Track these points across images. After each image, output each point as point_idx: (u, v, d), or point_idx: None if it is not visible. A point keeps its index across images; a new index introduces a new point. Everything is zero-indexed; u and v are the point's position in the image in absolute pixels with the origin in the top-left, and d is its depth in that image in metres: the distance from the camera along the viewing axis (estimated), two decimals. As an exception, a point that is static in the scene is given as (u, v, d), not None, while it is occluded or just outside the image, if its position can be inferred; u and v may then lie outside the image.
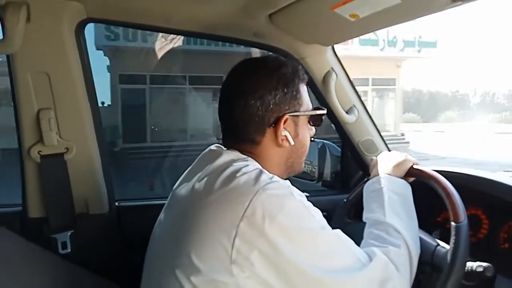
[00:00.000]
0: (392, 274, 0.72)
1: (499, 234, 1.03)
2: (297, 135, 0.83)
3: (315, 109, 0.87)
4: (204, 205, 0.70)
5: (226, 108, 0.82)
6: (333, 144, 1.59)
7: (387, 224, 0.81)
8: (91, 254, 1.17)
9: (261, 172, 0.72)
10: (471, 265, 0.78)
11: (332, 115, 1.36)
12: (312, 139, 1.58)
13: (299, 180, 1.63)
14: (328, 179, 1.56)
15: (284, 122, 0.79)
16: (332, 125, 1.44)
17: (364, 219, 0.90)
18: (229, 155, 0.78)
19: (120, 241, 1.24)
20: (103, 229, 1.22)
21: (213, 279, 0.66)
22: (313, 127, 0.89)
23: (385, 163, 0.96)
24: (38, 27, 0.98)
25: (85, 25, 1.09)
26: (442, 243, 0.84)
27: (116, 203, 1.29)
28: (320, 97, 1.32)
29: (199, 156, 0.86)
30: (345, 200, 1.10)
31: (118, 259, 1.21)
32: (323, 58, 1.26)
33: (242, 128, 0.80)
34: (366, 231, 0.85)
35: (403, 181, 0.92)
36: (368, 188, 0.94)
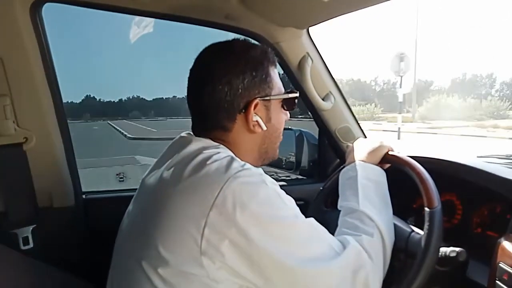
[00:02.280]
0: (365, 262, 0.71)
1: (472, 219, 1.04)
2: (269, 119, 0.80)
3: (287, 92, 0.84)
4: (172, 194, 0.67)
5: (194, 95, 0.79)
6: (311, 132, 1.57)
7: (361, 212, 0.80)
8: (56, 249, 1.11)
9: (232, 159, 0.69)
10: (444, 250, 0.78)
11: (308, 102, 1.33)
12: (290, 128, 1.59)
13: (276, 169, 1.62)
14: (306, 168, 1.56)
15: (255, 107, 0.76)
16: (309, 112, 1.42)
17: (339, 207, 0.88)
18: (199, 142, 0.75)
19: (87, 235, 1.19)
20: (68, 223, 1.16)
21: (182, 271, 0.63)
22: (288, 112, 0.86)
23: (360, 150, 0.95)
24: None
25: (41, 6, 1.02)
26: (416, 230, 0.83)
27: (83, 196, 1.23)
28: (295, 83, 1.29)
29: (169, 144, 0.83)
30: (321, 188, 1.08)
31: (85, 254, 1.16)
32: (298, 42, 1.23)
33: (211, 115, 0.77)
34: (341, 219, 0.84)
35: (377, 167, 0.91)
36: (343, 175, 0.93)
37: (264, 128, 0.79)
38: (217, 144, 0.75)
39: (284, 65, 1.27)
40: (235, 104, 0.75)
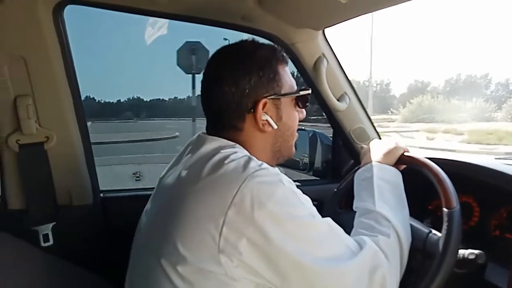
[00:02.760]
0: (382, 263, 0.71)
1: (490, 221, 1.02)
2: (280, 118, 0.80)
3: (299, 90, 0.84)
4: (191, 192, 0.68)
5: (205, 96, 0.80)
6: (324, 133, 1.57)
7: (377, 213, 0.80)
8: (75, 247, 1.13)
9: (250, 159, 0.70)
10: (462, 252, 0.78)
11: (323, 102, 1.33)
12: (303, 128, 1.59)
13: (290, 169, 1.62)
14: (319, 168, 1.55)
15: (264, 106, 0.77)
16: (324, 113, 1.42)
17: (354, 208, 0.88)
18: (216, 142, 0.75)
19: (105, 233, 1.21)
20: (87, 220, 1.18)
21: (200, 269, 0.64)
22: (303, 109, 0.86)
23: (375, 151, 0.94)
24: (11, 8, 0.93)
25: (64, 7, 1.04)
26: (434, 231, 0.83)
27: (101, 194, 1.25)
28: (311, 83, 1.29)
29: (186, 144, 0.84)
30: (335, 189, 1.07)
31: (103, 251, 1.17)
32: (314, 43, 1.23)
33: (222, 116, 0.78)
34: (356, 220, 0.84)
35: (393, 168, 0.91)
36: (358, 176, 0.92)
37: (275, 126, 0.79)
38: (234, 143, 0.76)
39: (300, 66, 1.27)
40: (243, 105, 0.76)
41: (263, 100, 0.76)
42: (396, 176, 0.89)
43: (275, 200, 0.65)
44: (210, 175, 0.68)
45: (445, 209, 0.78)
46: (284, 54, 0.82)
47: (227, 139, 0.77)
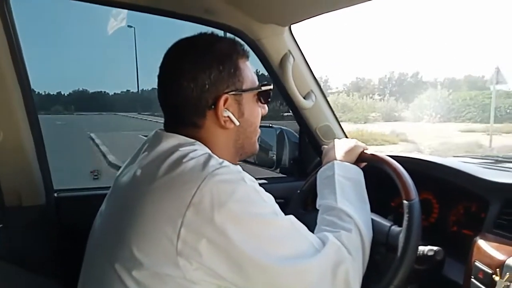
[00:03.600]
0: (344, 258, 0.71)
1: (449, 217, 1.05)
2: (242, 114, 0.77)
3: (261, 85, 0.81)
4: (147, 192, 0.64)
5: (162, 92, 0.76)
6: (292, 131, 1.56)
7: (339, 210, 0.80)
8: (26, 251, 1.06)
9: (210, 157, 0.67)
10: (422, 249, 0.79)
11: (289, 100, 1.32)
12: (270, 125, 1.58)
13: (257, 167, 1.60)
14: (287, 166, 1.54)
15: (225, 102, 0.74)
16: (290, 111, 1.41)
17: (317, 206, 0.88)
18: (174, 139, 0.72)
19: (59, 235, 1.14)
20: (39, 222, 1.11)
21: (157, 273, 0.61)
22: (265, 105, 0.84)
23: (336, 150, 0.96)
24: None
25: None
26: (395, 225, 0.84)
27: (55, 194, 1.18)
28: (277, 80, 1.28)
29: (143, 141, 0.80)
30: (298, 191, 1.07)
31: (58, 255, 1.11)
32: (280, 39, 1.21)
33: (181, 112, 0.74)
34: (319, 217, 0.84)
35: (354, 166, 0.92)
36: (320, 175, 0.93)
37: (237, 123, 0.76)
38: (193, 141, 0.73)
39: (266, 62, 1.25)
40: (203, 101, 0.73)
41: (224, 96, 0.73)
42: (357, 173, 0.91)
43: (236, 199, 0.63)
44: (167, 174, 0.65)
45: (405, 202, 0.79)
46: (245, 48, 0.79)
47: (187, 136, 0.74)
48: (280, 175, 1.55)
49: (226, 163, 0.67)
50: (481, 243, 0.79)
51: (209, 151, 0.71)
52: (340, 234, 0.75)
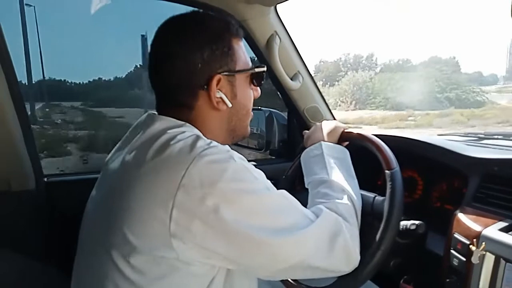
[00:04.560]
0: (342, 227, 0.73)
1: (432, 193, 1.08)
2: (234, 96, 0.76)
3: (254, 67, 0.80)
4: (136, 177, 0.64)
5: (154, 72, 0.74)
6: (281, 113, 1.57)
7: (331, 181, 0.82)
8: (17, 234, 1.07)
9: (197, 138, 0.66)
10: (405, 223, 0.82)
11: (276, 81, 1.33)
12: (260, 108, 1.58)
13: (246, 149, 1.62)
14: (276, 148, 1.56)
15: (218, 83, 0.72)
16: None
17: (306, 184, 0.89)
18: (164, 122, 0.71)
19: (50, 219, 1.15)
20: (29, 207, 1.11)
21: (151, 255, 0.62)
22: (258, 88, 0.82)
23: (317, 134, 0.97)
24: None
25: None
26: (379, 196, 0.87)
27: (45, 179, 1.18)
28: (264, 62, 1.28)
29: (133, 125, 0.78)
30: (284, 176, 1.08)
31: (49, 238, 1.12)
32: (266, 20, 1.20)
33: (173, 94, 0.73)
34: (311, 192, 0.85)
35: (339, 146, 0.94)
36: (307, 154, 0.94)
37: (230, 105, 0.75)
38: (182, 123, 0.72)
39: (252, 43, 1.25)
40: (195, 81, 0.71)
41: (217, 76, 0.72)
42: (342, 152, 0.92)
43: (226, 178, 0.63)
44: (155, 158, 0.64)
45: (386, 171, 0.82)
46: (239, 28, 0.77)
47: (178, 118, 0.73)
48: (270, 157, 1.57)
49: (214, 143, 0.67)
50: (461, 216, 0.82)
51: (198, 133, 0.71)
52: (335, 203, 0.76)
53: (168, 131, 0.68)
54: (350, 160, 0.92)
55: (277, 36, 1.23)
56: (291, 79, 1.33)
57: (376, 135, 0.91)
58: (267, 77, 1.12)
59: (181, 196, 0.61)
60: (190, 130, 0.70)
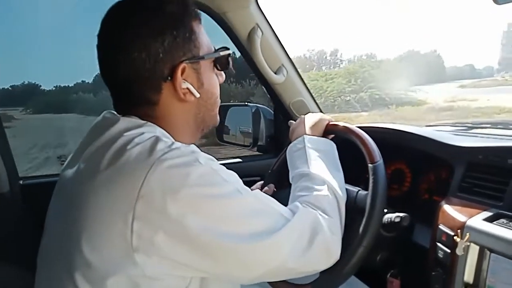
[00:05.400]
0: (320, 222, 0.70)
1: (420, 185, 1.06)
2: (201, 85, 0.71)
3: (218, 50, 0.75)
4: (91, 189, 0.59)
5: (107, 67, 0.67)
6: (268, 108, 1.54)
7: (312, 174, 0.79)
8: None
9: (157, 140, 0.61)
10: (389, 216, 0.80)
11: (260, 75, 1.30)
12: (246, 103, 1.56)
13: (234, 146, 1.59)
14: (263, 144, 1.53)
15: (182, 72, 0.66)
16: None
17: (290, 179, 0.87)
18: (122, 123, 0.65)
19: (26, 223, 1.11)
20: (4, 210, 1.08)
21: (112, 273, 0.57)
22: (222, 72, 0.77)
23: (302, 127, 0.94)
24: None
25: None
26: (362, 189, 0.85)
27: (20, 181, 1.15)
28: (246, 56, 1.25)
29: (90, 127, 0.71)
30: (269, 171, 1.06)
31: (24, 243, 1.08)
32: (247, 12, 1.17)
33: (131, 89, 0.66)
34: (293, 187, 0.82)
35: (323, 138, 0.91)
36: (291, 149, 0.91)
37: (197, 95, 0.69)
38: (142, 122, 0.65)
39: (233, 37, 1.22)
40: (157, 72, 0.65)
41: (182, 65, 0.66)
42: (327, 144, 0.90)
43: (191, 183, 0.58)
44: (110, 166, 0.59)
45: (369, 165, 0.80)
46: (197, 10, 0.71)
47: (141, 115, 0.67)
48: (258, 153, 1.54)
49: (176, 144, 0.62)
50: (446, 207, 0.80)
51: (159, 133, 0.65)
52: (315, 196, 0.74)
53: (125, 134, 0.62)
54: (336, 152, 0.89)
55: (258, 29, 1.20)
56: (275, 73, 1.30)
57: (364, 127, 0.90)
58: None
59: (141, 207, 0.56)
60: (150, 131, 0.64)
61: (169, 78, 0.66)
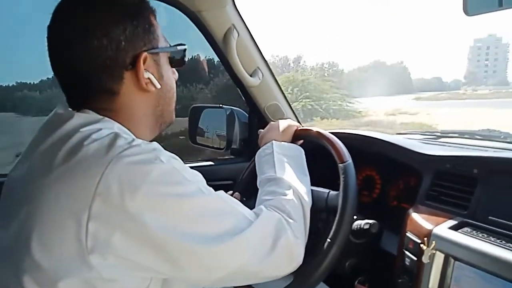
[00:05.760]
0: (284, 225, 0.70)
1: (389, 192, 1.07)
2: (161, 77, 0.70)
3: (177, 45, 0.74)
4: (44, 186, 0.56)
5: (62, 58, 0.64)
6: (243, 111, 1.53)
7: (278, 179, 0.80)
8: None
9: (116, 136, 0.58)
10: (359, 223, 0.80)
11: (235, 78, 1.28)
12: (221, 106, 1.53)
13: (207, 148, 1.56)
14: (237, 147, 1.51)
15: (144, 62, 0.65)
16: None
17: (258, 184, 0.86)
18: (77, 118, 0.62)
19: None
20: None
21: (66, 278, 0.53)
22: (176, 71, 0.76)
23: (270, 133, 0.95)
24: None
25: None
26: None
27: None
28: (221, 57, 1.23)
29: (42, 124, 0.67)
30: (239, 179, 1.06)
31: None
32: (223, 12, 1.15)
33: (90, 79, 0.63)
34: (260, 191, 0.82)
35: (292, 144, 0.93)
36: (259, 154, 0.92)
37: (158, 86, 0.68)
38: (100, 117, 0.63)
39: (208, 37, 1.20)
40: (119, 60, 0.63)
41: (144, 54, 0.64)
42: (295, 150, 0.91)
43: (151, 181, 0.55)
44: (65, 163, 0.56)
45: (340, 165, 0.81)
46: (152, 5, 0.70)
47: (98, 109, 0.64)
48: (231, 156, 1.52)
49: (137, 141, 0.59)
50: (414, 214, 0.81)
51: (118, 129, 0.62)
52: (280, 200, 0.74)
53: (81, 130, 0.59)
54: (304, 158, 0.90)
55: (234, 30, 1.18)
56: (250, 75, 1.28)
57: (335, 133, 0.91)
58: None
59: (98, 206, 0.53)
60: (108, 126, 0.62)
61: (131, 66, 0.64)
